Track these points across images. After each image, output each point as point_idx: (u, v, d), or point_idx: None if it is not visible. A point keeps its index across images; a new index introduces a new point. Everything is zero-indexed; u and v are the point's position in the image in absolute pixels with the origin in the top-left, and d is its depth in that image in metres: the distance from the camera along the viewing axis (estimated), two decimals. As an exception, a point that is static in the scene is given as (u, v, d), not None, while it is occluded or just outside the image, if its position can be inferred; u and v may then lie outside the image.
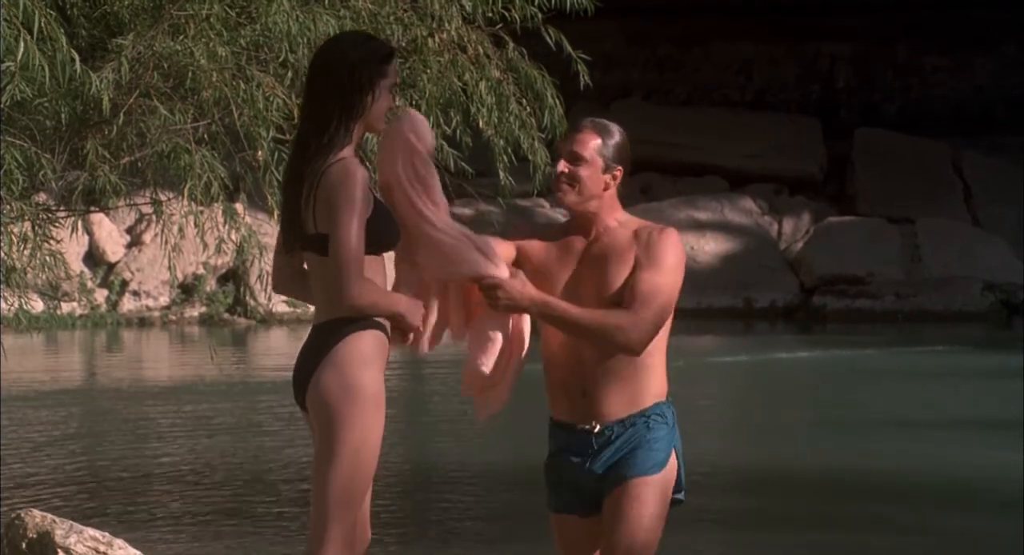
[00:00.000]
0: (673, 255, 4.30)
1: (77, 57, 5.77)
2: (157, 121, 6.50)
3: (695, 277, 22.93)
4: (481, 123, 7.30)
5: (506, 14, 7.23)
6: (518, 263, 4.37)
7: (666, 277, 4.27)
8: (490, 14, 7.18)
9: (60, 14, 5.92)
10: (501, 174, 7.53)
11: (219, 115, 6.65)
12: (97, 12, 6.76)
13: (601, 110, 25.76)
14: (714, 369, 17.17)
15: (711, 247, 24.58)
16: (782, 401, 14.64)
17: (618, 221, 4.38)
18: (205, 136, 6.76)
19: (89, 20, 6.81)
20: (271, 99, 6.53)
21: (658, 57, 29.40)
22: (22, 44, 5.41)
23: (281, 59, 6.66)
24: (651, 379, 4.35)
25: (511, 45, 7.29)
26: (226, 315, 22.65)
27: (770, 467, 10.35)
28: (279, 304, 21.78)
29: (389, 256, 4.27)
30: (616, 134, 4.40)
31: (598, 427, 4.32)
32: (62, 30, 5.61)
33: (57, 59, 5.64)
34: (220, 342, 19.61)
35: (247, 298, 22.60)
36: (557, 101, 7.32)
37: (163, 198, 7.24)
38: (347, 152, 4.13)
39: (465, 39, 7.09)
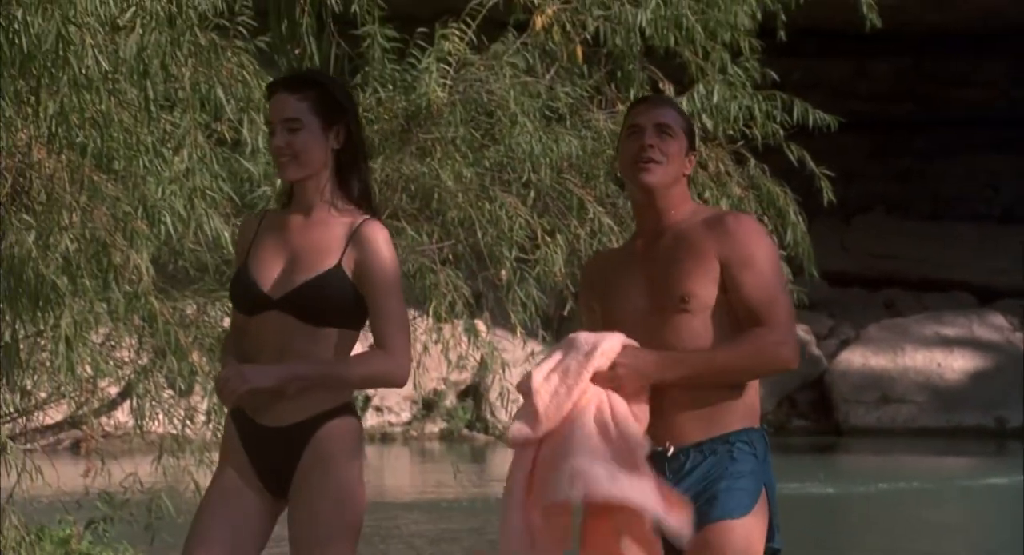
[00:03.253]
0: (763, 244, 3.62)
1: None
2: (404, 241, 6.66)
3: (943, 394, 22.28)
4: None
5: (747, 131, 7.23)
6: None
7: (771, 271, 3.61)
8: (731, 131, 7.19)
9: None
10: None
11: (463, 235, 6.78)
12: (347, 137, 7.00)
13: (843, 224, 25.45)
14: (967, 492, 16.55)
15: (959, 364, 23.83)
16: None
17: (686, 213, 3.71)
18: (450, 256, 6.90)
19: (340, 145, 7.04)
20: (514, 219, 6.64)
21: (900, 170, 28.92)
22: (279, 169, 5.63)
23: (524, 179, 6.78)
24: (738, 398, 3.60)
25: (752, 162, 7.28)
26: (465, 431, 22.86)
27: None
28: (518, 420, 21.84)
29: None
30: (685, 116, 3.79)
31: (672, 449, 3.59)
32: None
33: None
34: (460, 458, 19.77)
35: (487, 414, 22.79)
36: (799, 218, 7.26)
37: (409, 316, 7.37)
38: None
39: (705, 156, 7.10)
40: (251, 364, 3.62)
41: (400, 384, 3.67)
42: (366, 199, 3.70)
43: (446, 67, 6.93)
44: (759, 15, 7.22)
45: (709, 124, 7.12)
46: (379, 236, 3.63)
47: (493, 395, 22.18)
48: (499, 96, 6.81)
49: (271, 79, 5.73)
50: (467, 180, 6.64)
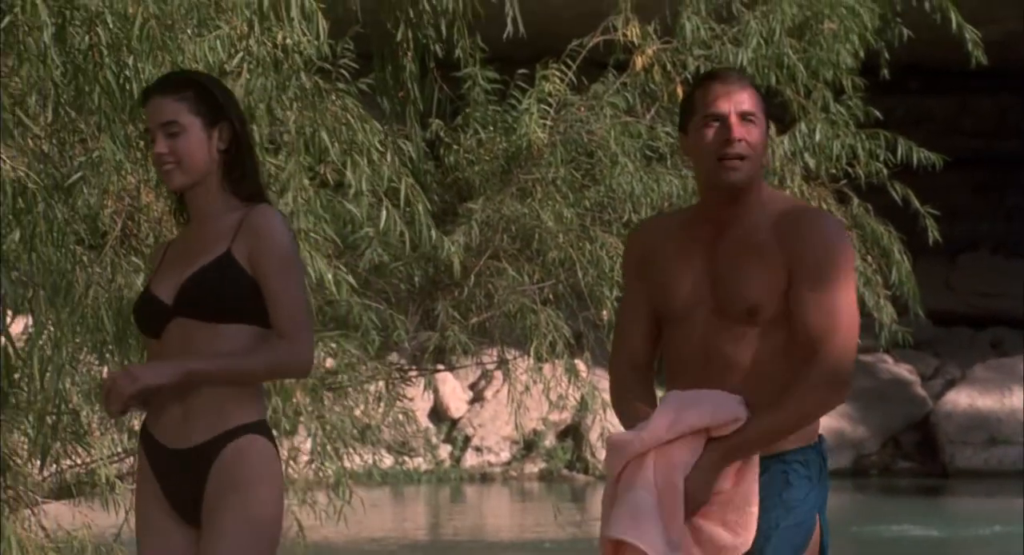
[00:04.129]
0: (837, 255, 3.18)
1: (432, 223, 6.02)
2: (505, 282, 6.69)
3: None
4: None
5: (850, 170, 7.18)
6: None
7: (839, 289, 3.17)
8: (833, 170, 7.14)
9: (415, 181, 6.20)
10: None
11: (564, 275, 6.79)
12: (449, 178, 7.06)
13: (948, 263, 25.10)
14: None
15: (1069, 405, 23.36)
16: None
17: (760, 201, 3.25)
18: (550, 296, 6.91)
19: (441, 186, 7.11)
20: (614, 259, 6.63)
21: (1006, 208, 28.49)
22: (384, 212, 5.69)
23: (624, 219, 6.78)
24: None
25: (855, 201, 7.22)
26: (565, 471, 22.79)
27: None
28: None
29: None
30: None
31: None
32: (420, 198, 5.87)
33: (416, 225, 5.90)
34: (560, 498, 19.71)
35: (587, 454, 22.71)
36: (904, 257, 7.19)
37: (509, 356, 7.41)
38: None
39: (807, 196, 7.05)
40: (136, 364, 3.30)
41: (303, 373, 3.39)
42: (260, 196, 3.40)
43: (546, 108, 6.96)
44: (862, 53, 7.18)
45: (812, 163, 7.08)
46: (271, 217, 3.33)
47: (593, 435, 22.10)
48: (599, 136, 6.83)
49: (375, 122, 5.80)
50: (567, 221, 6.65)
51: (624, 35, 7.05)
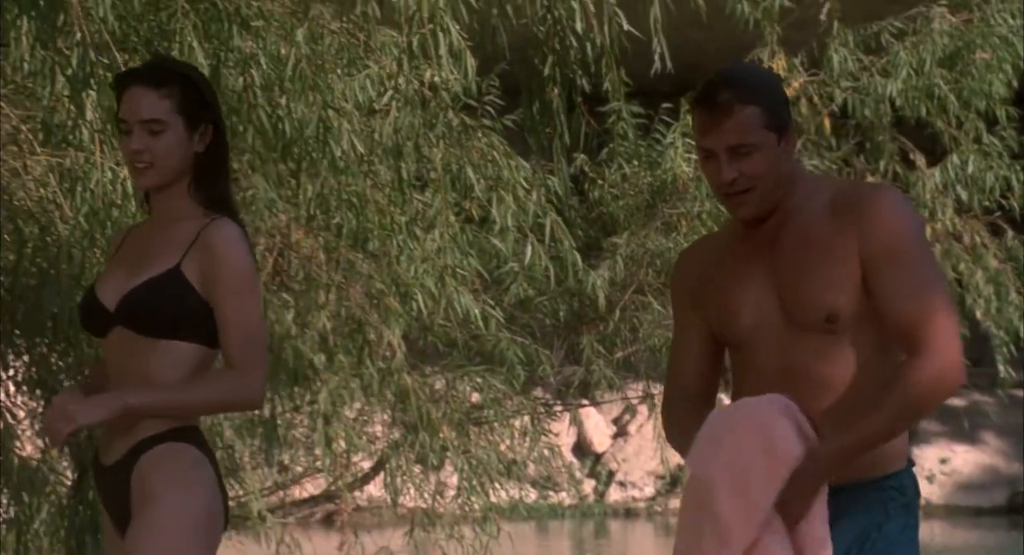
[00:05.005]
0: (910, 228, 2.79)
1: (579, 257, 6.02)
2: (650, 316, 6.67)
3: None
4: (978, 314, 7.09)
5: (1004, 202, 7.04)
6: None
7: (924, 265, 2.80)
8: (987, 202, 7.01)
9: (560, 216, 6.21)
10: (1000, 366, 7.27)
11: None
12: (594, 213, 7.07)
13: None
14: None
15: None
16: None
17: (805, 194, 2.89)
18: (696, 330, 6.85)
19: (586, 221, 7.11)
20: (762, 293, 6.56)
21: None
22: (529, 247, 5.71)
23: (772, 253, 6.71)
24: None
25: (1010, 233, 7.08)
26: (710, 506, 22.56)
27: None
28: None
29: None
30: (762, 81, 2.88)
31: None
32: (564, 233, 5.87)
33: (561, 260, 5.91)
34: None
35: (731, 490, 22.47)
36: (1062, 291, 7.03)
37: (654, 390, 7.37)
38: None
39: (960, 228, 6.93)
40: (76, 394, 3.11)
41: (254, 407, 3.10)
42: (226, 205, 3.15)
43: (691, 142, 6.92)
44: (1015, 82, 7.04)
45: (964, 195, 6.96)
46: (228, 234, 3.06)
47: (737, 470, 21.83)
48: (746, 170, 6.77)
49: (520, 159, 5.82)
50: (714, 254, 6.60)
51: (770, 68, 7.00)
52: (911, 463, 2.95)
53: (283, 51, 4.72)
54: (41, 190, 4.69)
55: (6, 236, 4.55)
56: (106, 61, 4.18)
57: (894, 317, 2.77)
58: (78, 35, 4.07)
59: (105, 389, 3.11)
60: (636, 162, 7.10)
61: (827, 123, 7.00)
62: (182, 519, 3.01)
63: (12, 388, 5.02)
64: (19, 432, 5.05)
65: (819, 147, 7.05)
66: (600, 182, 7.14)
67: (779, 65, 6.91)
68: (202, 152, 3.09)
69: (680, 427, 3.02)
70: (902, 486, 2.92)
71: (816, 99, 6.94)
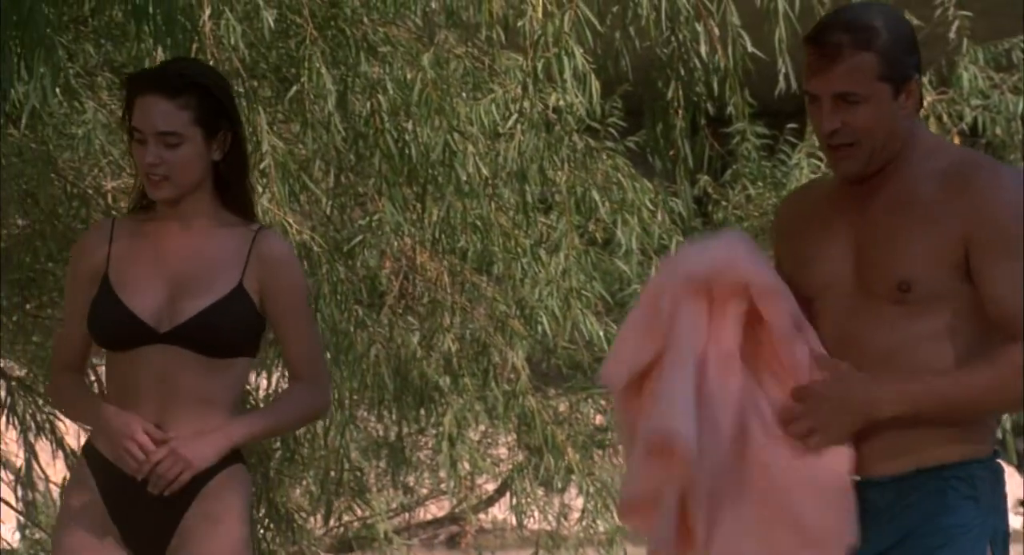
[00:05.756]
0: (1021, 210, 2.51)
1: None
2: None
3: None
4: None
5: None
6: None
7: None
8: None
9: (684, 238, 6.18)
10: None
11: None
12: (718, 234, 7.02)
13: None
14: None
15: None
16: None
17: (919, 155, 2.61)
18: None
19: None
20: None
21: None
22: (653, 269, 5.70)
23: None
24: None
25: None
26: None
27: None
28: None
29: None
30: (885, 25, 2.60)
31: (858, 477, 2.58)
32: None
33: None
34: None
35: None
36: None
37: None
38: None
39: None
40: (178, 437, 2.93)
41: (325, 415, 3.23)
42: (249, 211, 3.06)
43: (816, 162, 6.86)
44: None
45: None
46: (283, 247, 3.03)
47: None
48: (873, 190, 6.69)
49: (644, 181, 5.82)
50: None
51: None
52: (994, 454, 2.60)
53: (409, 76, 4.78)
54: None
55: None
56: (240, 90, 4.27)
57: (995, 305, 2.51)
58: (210, 62, 4.17)
59: (122, 399, 2.96)
60: (760, 183, 7.05)
61: (957, 141, 6.89)
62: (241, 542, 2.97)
63: None
64: None
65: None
66: (724, 203, 7.11)
67: (907, 84, 6.82)
68: (220, 160, 2.99)
69: None
70: (970, 476, 2.55)
71: (945, 117, 6.83)
